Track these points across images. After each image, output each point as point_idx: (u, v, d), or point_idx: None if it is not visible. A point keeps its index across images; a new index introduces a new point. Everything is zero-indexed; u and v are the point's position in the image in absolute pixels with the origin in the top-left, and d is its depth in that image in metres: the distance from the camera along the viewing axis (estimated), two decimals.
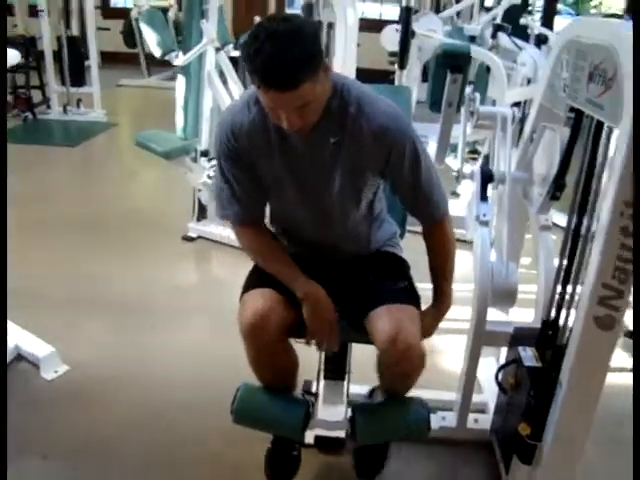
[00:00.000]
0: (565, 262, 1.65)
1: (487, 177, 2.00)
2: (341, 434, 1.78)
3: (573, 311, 1.56)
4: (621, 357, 2.60)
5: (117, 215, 3.83)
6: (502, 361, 1.92)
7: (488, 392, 2.18)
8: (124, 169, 4.88)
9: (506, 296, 1.87)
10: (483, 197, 2.00)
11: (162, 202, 4.25)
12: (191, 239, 3.55)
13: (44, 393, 2.19)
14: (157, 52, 3.31)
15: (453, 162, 3.60)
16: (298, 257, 1.65)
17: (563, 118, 1.69)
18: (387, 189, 1.73)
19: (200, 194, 3.49)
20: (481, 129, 2.33)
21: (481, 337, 1.89)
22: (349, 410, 1.75)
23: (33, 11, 6.41)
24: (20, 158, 4.42)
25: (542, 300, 1.77)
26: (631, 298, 1.38)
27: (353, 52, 3.07)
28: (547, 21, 7.86)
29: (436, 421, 2.00)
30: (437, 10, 6.20)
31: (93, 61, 6.17)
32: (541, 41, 5.15)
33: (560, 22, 8.77)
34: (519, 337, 1.79)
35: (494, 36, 4.59)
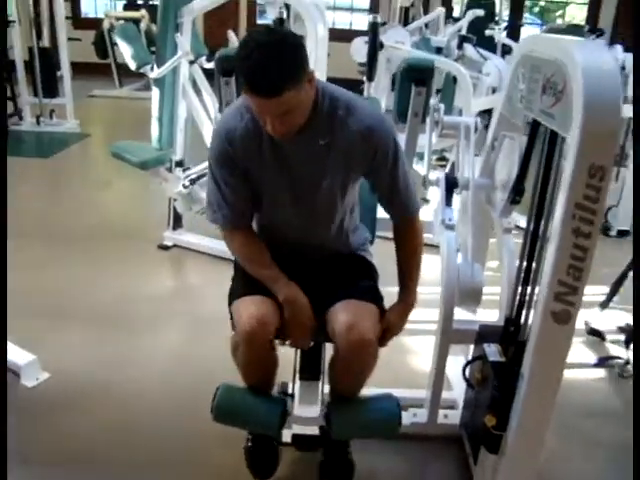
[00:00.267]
0: (525, 263, 1.74)
1: (451, 183, 2.09)
2: (316, 431, 1.86)
3: (533, 309, 1.65)
4: (583, 353, 2.72)
5: (93, 225, 3.84)
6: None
7: (457, 389, 2.25)
8: (99, 179, 4.87)
9: (472, 295, 1.93)
10: (448, 202, 2.09)
11: (137, 212, 4.27)
12: (167, 247, 3.58)
13: (25, 400, 2.22)
14: (132, 65, 3.40)
15: (422, 169, 3.70)
16: (277, 257, 1.71)
17: (522, 127, 1.77)
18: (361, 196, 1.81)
19: (175, 203, 3.53)
20: (446, 138, 2.43)
21: (449, 335, 1.97)
22: (324, 408, 1.80)
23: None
24: None
25: (505, 299, 1.85)
26: (584, 297, 1.47)
27: (324, 64, 3.15)
28: (513, 32, 8.07)
29: (407, 417, 2.05)
30: (405, 22, 6.34)
31: (65, 72, 6.09)
32: (506, 52, 5.32)
33: (527, 31, 9.03)
34: (484, 334, 1.87)
35: (460, 47, 4.73)
